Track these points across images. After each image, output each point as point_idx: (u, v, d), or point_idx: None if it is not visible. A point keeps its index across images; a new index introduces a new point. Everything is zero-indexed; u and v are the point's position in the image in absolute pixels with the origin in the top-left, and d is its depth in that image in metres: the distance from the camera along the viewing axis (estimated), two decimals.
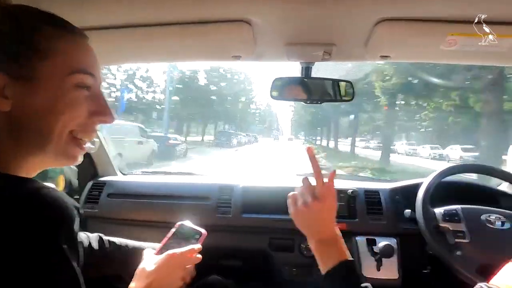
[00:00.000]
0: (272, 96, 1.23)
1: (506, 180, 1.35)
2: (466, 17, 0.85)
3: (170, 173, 1.94)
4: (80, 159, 0.60)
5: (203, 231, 0.89)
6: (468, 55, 1.01)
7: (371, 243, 1.33)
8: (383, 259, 1.27)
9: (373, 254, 1.29)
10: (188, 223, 0.91)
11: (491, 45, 0.90)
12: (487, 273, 1.09)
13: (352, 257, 1.30)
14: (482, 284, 0.47)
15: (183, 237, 0.88)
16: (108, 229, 1.54)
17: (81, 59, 0.56)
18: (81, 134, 0.58)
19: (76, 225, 0.50)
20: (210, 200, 1.48)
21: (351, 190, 1.43)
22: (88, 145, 0.62)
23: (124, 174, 1.78)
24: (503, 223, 1.17)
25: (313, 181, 0.81)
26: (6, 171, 0.52)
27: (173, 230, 0.89)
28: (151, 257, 0.79)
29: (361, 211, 1.39)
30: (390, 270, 1.28)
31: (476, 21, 0.85)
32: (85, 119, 0.57)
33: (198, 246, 0.83)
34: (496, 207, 1.26)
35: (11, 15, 0.53)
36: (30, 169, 0.56)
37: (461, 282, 1.11)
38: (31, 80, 0.52)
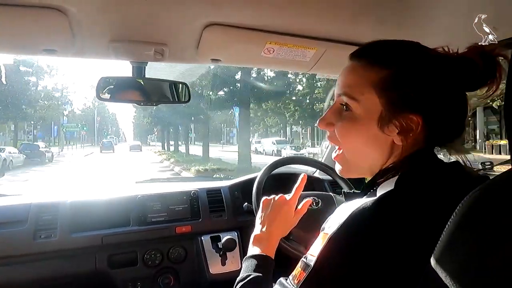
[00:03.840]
0: (100, 98, 1.10)
1: (317, 168, 1.65)
2: (281, 29, 0.98)
3: None
4: None
5: None
6: (283, 62, 1.16)
7: (215, 240, 1.37)
8: (227, 253, 1.33)
9: (218, 250, 1.34)
10: None
11: (299, 55, 1.07)
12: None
13: (199, 257, 1.33)
14: (303, 258, 0.57)
15: None
16: None
17: None
18: None
19: None
20: (26, 224, 1.21)
21: (192, 191, 1.44)
22: None
23: None
24: (317, 204, 1.41)
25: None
26: None
27: None
28: None
29: (204, 211, 1.42)
30: (233, 262, 1.35)
31: (289, 33, 0.99)
32: None
33: None
34: (312, 191, 1.50)
35: None
36: None
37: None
38: None
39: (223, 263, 1.32)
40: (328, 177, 1.64)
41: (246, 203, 1.42)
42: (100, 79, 1.07)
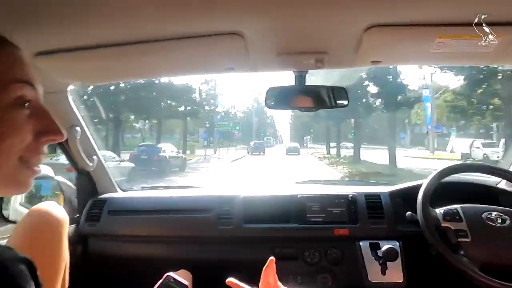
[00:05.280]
0: (267, 105, 1.24)
1: (505, 178, 1.36)
2: (454, 20, 0.87)
3: (169, 187, 1.94)
4: (31, 185, 0.52)
5: (188, 285, 0.94)
6: (456, 56, 1.03)
7: (374, 247, 1.32)
8: (388, 263, 1.26)
9: (377, 258, 1.29)
10: (175, 276, 0.95)
11: (478, 46, 0.92)
12: (490, 271, 1.10)
13: (357, 262, 1.32)
14: None
15: None
16: (109, 247, 1.54)
17: (15, 70, 0.49)
18: (30, 157, 0.50)
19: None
20: (211, 212, 1.48)
21: (350, 195, 1.43)
22: (39, 168, 0.52)
23: (123, 191, 1.78)
24: (504, 221, 1.17)
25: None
26: None
27: (160, 281, 0.93)
28: None
29: (362, 216, 1.40)
30: (395, 274, 1.27)
31: (464, 23, 0.87)
32: (32, 142, 0.49)
33: None
34: (495, 205, 1.26)
35: None
36: None
37: (465, 281, 1.11)
38: None
39: (383, 273, 1.26)
40: None
41: (409, 212, 1.32)
42: (268, 89, 1.21)
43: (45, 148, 0.52)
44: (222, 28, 0.93)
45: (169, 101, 20.24)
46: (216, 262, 1.48)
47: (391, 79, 12.83)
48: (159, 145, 14.87)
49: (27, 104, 0.49)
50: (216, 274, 1.53)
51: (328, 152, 22.15)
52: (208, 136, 25.99)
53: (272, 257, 0.81)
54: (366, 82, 13.56)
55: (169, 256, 1.50)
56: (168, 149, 14.02)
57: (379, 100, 13.87)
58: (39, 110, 0.51)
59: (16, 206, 1.56)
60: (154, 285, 0.97)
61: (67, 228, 0.88)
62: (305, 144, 42.27)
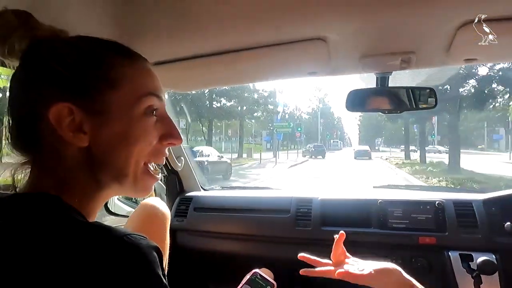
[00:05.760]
0: (347, 108, 1.23)
1: None
2: None
3: (247, 188, 2.02)
4: (152, 190, 0.59)
5: (274, 283, 0.97)
6: None
7: (466, 258, 1.23)
8: (482, 276, 1.16)
9: (470, 270, 1.19)
10: (262, 273, 0.98)
11: None
12: None
13: (445, 273, 1.24)
14: None
15: (257, 286, 0.96)
16: (194, 241, 1.67)
17: (147, 83, 0.55)
18: (153, 160, 0.57)
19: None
20: (289, 213, 1.51)
21: (437, 202, 1.35)
22: (160, 175, 0.60)
23: (205, 190, 1.90)
24: None
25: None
26: (81, 208, 0.50)
27: (247, 276, 0.96)
28: None
29: (451, 224, 1.30)
30: None
31: None
32: (156, 145, 0.56)
33: None
34: None
35: (76, 47, 0.52)
36: (100, 202, 0.55)
37: None
38: (103, 113, 0.51)
39: (477, 287, 1.16)
40: None
41: (509, 223, 1.20)
42: (349, 92, 1.20)
43: (166, 150, 0.60)
44: (308, 34, 0.95)
45: (223, 101, 18.45)
46: (294, 262, 1.51)
47: None
48: (195, 148, 12.73)
49: (154, 112, 0.55)
50: (293, 274, 1.56)
51: (408, 157, 19.06)
52: (271, 139, 24.94)
53: (342, 231, 0.97)
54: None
55: (248, 253, 1.57)
56: (208, 153, 12.30)
57: (496, 86, 10.33)
58: (163, 117, 0.57)
59: (115, 200, 1.78)
60: (234, 279, 1.01)
61: (169, 222, 0.98)
62: (376, 148, 39.51)
